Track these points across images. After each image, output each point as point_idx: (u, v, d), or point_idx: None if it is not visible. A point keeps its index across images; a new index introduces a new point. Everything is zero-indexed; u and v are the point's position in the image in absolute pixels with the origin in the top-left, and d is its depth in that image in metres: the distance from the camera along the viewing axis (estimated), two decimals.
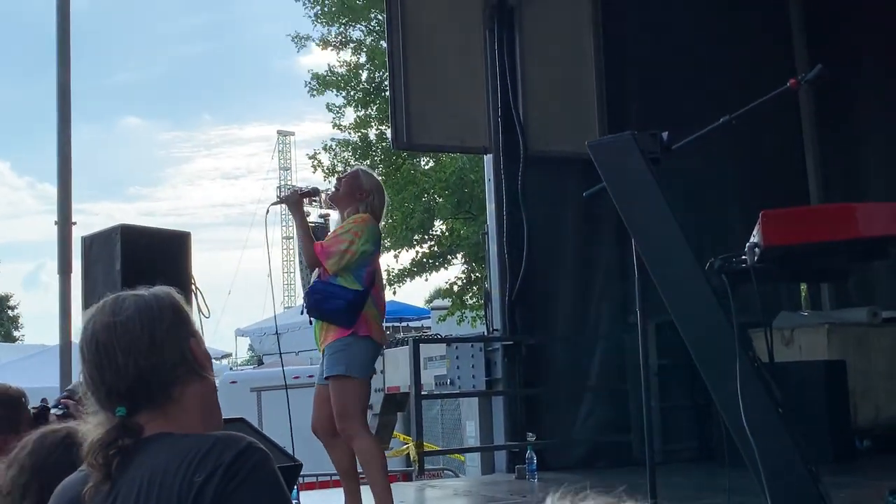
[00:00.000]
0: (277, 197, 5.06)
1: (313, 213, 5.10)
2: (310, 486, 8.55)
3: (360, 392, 4.53)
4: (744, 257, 2.98)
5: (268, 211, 5.09)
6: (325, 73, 19.13)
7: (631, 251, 7.69)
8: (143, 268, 5.17)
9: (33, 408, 3.05)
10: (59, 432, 1.83)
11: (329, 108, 19.10)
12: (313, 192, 4.90)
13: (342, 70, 19.07)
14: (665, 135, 3.33)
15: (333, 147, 19.27)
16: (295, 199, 4.81)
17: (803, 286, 9.35)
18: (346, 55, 19.23)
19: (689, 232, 3.33)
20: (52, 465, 1.72)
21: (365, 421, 4.63)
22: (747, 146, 8.37)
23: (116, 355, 1.52)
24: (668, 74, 8.31)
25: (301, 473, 5.41)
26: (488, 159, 7.95)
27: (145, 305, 1.56)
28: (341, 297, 4.46)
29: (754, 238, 2.94)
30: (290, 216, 4.97)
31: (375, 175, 5.24)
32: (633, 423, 7.69)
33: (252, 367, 20.63)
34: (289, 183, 40.11)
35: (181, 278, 5.35)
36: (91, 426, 1.53)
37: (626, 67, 8.29)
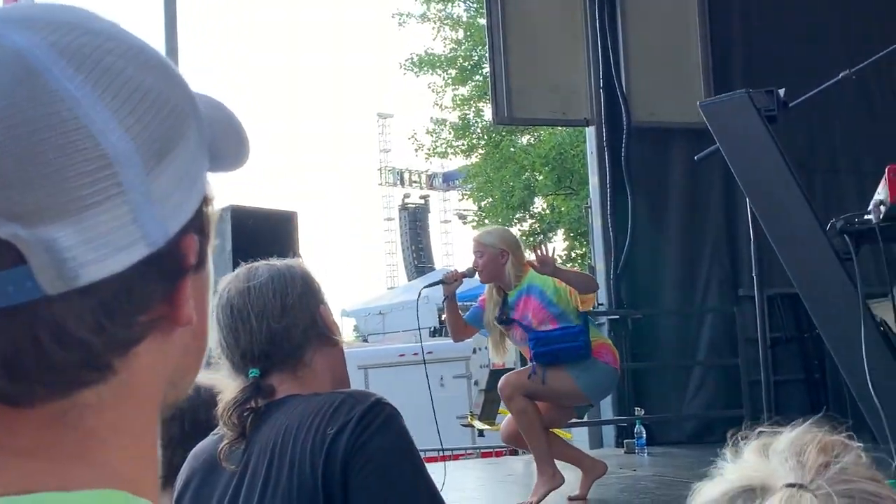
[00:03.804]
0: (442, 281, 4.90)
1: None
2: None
3: (560, 395, 4.67)
4: (868, 217, 2.85)
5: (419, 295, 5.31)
6: (421, 55, 19.23)
7: (738, 222, 7.63)
8: (251, 247, 5.24)
9: None
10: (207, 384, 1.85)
11: (430, 87, 19.19)
12: (469, 273, 4.80)
13: (443, 47, 19.16)
14: (782, 92, 3.21)
15: (434, 129, 19.37)
16: (452, 282, 4.74)
17: None
18: (446, 32, 19.31)
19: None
20: (198, 407, 1.71)
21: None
22: (859, 104, 8.06)
23: (250, 319, 1.57)
24: (775, 32, 8.04)
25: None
26: (590, 131, 7.84)
27: (277, 273, 1.61)
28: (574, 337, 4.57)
29: (879, 195, 2.81)
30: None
31: (493, 229, 5.16)
32: (744, 398, 7.53)
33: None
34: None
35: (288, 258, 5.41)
36: (226, 391, 1.57)
37: (731, 28, 8.05)
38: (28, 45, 0.52)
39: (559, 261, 4.77)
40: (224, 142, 0.61)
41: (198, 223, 0.57)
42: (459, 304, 4.94)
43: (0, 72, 0.51)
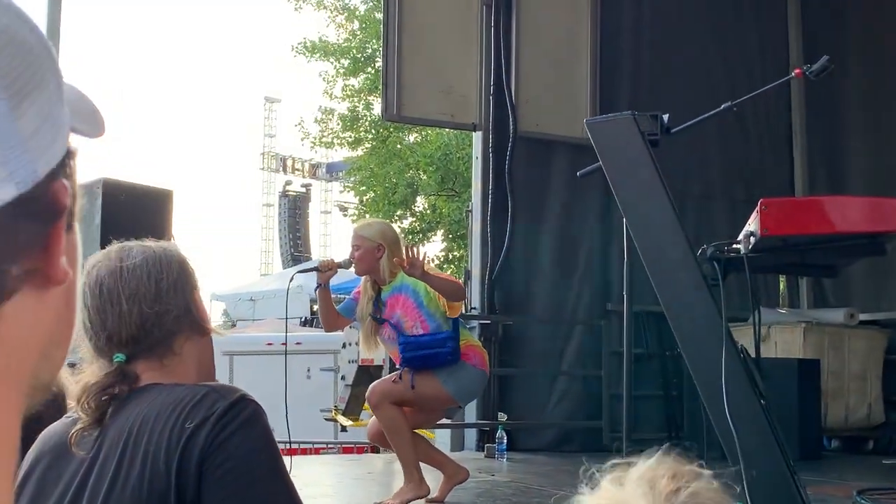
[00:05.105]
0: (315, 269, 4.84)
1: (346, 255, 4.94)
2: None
3: (428, 400, 4.67)
4: (737, 245, 2.95)
5: (291, 278, 5.15)
6: (315, 41, 19.02)
7: (612, 238, 7.83)
8: (123, 223, 5.05)
9: None
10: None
11: (321, 76, 19.01)
12: (345, 265, 4.74)
13: (337, 37, 18.99)
14: (666, 117, 3.29)
15: (322, 118, 19.20)
16: (327, 270, 4.66)
17: (782, 284, 9.38)
18: (341, 21, 19.17)
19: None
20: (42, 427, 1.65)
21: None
22: (734, 133, 8.41)
23: (121, 301, 1.49)
24: (662, 61, 8.31)
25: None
26: (477, 136, 7.91)
27: (153, 255, 1.54)
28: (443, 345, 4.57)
29: (750, 226, 2.91)
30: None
31: (374, 222, 5.20)
32: (604, 410, 7.72)
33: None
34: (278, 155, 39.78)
35: (161, 238, 5.25)
36: (86, 374, 1.49)
37: (621, 53, 8.27)
38: None
39: (435, 262, 4.79)
40: (79, 107, 0.59)
41: (65, 171, 0.54)
42: (333, 295, 4.90)
43: None
